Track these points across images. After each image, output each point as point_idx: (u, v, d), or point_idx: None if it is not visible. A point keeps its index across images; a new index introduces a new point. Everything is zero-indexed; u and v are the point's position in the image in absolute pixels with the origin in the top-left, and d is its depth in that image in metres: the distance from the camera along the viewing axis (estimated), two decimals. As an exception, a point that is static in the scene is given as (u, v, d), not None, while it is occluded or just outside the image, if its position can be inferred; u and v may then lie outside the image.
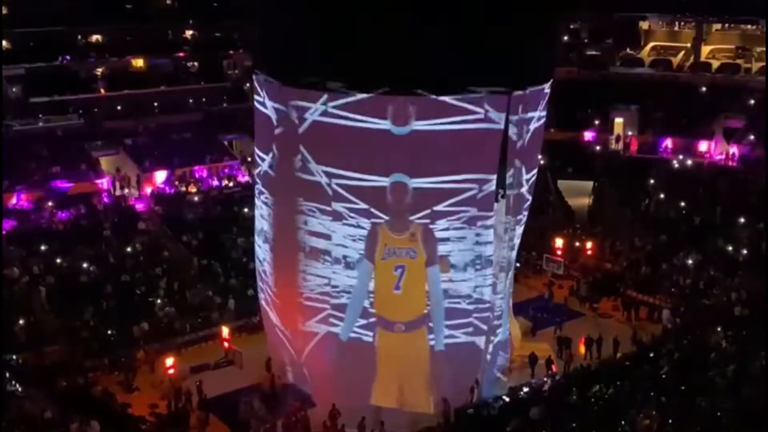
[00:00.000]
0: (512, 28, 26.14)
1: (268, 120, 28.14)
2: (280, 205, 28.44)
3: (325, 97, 26.04)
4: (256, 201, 30.58)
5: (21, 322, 32.25)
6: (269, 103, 28.02)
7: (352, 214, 26.83)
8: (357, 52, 25.25)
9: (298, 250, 27.84)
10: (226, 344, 32.55)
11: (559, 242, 41.01)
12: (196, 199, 43.42)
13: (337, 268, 27.43)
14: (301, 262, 27.90)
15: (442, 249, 27.01)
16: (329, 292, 27.75)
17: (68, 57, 49.40)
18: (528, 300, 36.89)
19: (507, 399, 28.40)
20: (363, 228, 26.90)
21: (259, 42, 29.93)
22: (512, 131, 26.87)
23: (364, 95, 25.79)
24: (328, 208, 26.92)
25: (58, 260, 36.76)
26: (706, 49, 60.99)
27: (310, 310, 28.07)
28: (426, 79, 25.49)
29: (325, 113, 26.25)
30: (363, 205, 26.69)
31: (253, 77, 29.76)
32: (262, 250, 30.32)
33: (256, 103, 29.51)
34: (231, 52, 54.66)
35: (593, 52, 62.07)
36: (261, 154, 29.46)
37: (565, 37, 61.84)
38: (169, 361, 29.56)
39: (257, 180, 30.42)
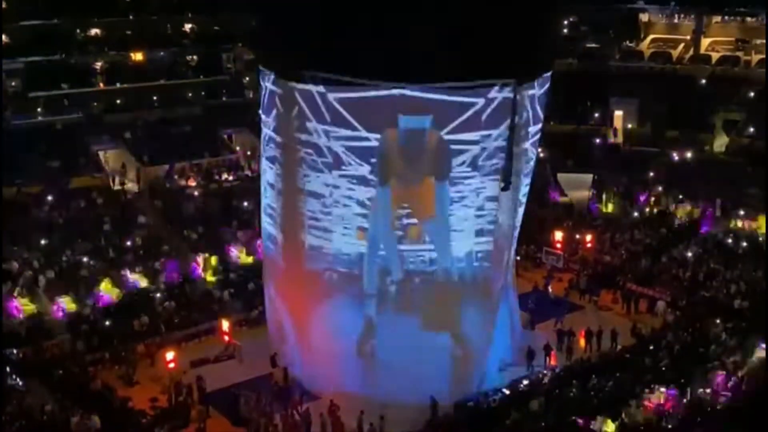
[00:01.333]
0: (512, 19, 26.11)
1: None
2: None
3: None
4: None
5: (21, 316, 32.21)
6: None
7: None
8: (358, 45, 25.17)
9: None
10: (226, 338, 32.62)
11: (558, 235, 41.00)
12: (195, 192, 43.40)
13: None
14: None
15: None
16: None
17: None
18: (525, 293, 36.79)
19: (507, 392, 28.44)
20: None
21: (259, 35, 29.90)
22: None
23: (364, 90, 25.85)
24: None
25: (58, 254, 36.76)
26: (705, 42, 60.98)
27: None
28: (428, 71, 25.41)
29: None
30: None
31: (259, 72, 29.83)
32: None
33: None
34: (230, 45, 54.58)
35: (593, 45, 61.97)
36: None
37: (565, 30, 61.71)
38: (170, 354, 29.60)
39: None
